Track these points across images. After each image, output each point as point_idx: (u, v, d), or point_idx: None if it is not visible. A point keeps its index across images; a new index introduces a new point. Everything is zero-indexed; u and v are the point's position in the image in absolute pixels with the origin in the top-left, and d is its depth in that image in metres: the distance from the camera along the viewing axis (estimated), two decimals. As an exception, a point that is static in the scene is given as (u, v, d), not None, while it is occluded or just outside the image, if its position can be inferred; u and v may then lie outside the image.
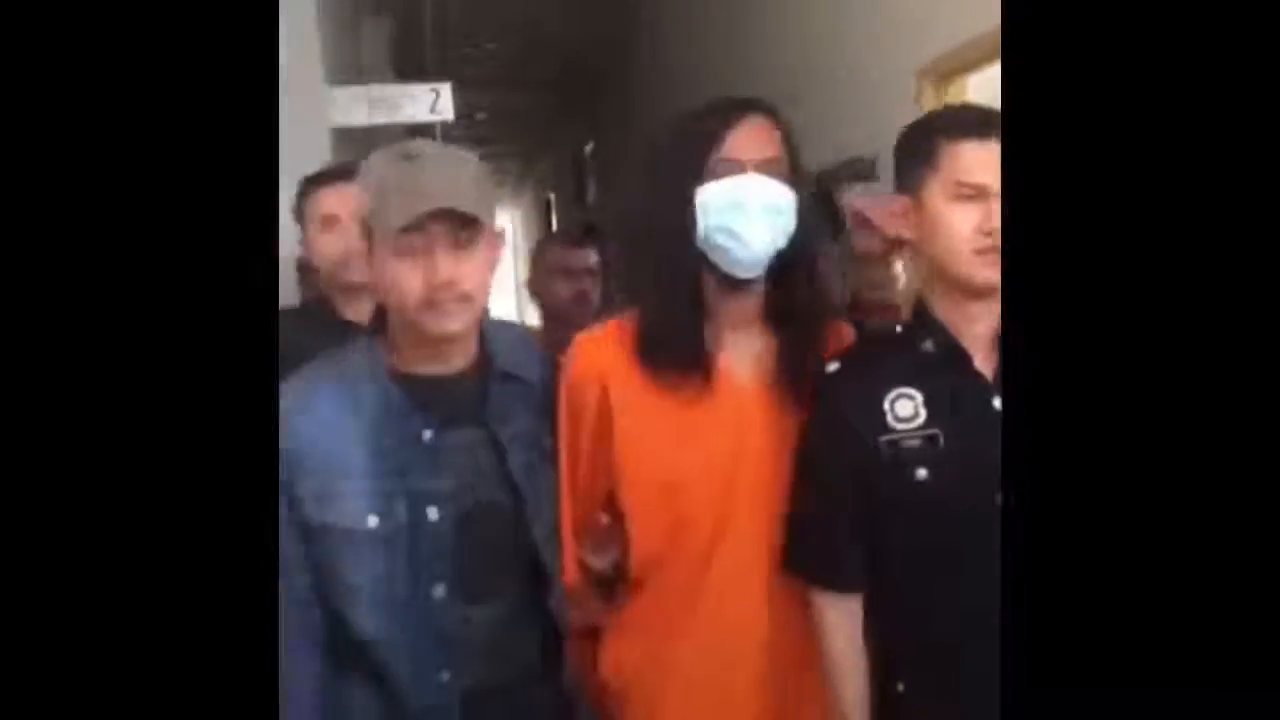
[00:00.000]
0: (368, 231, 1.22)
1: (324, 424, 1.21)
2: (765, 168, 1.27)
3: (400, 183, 1.17)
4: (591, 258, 2.41)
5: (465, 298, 1.19)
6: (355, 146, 4.77)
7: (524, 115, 10.26)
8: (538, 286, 2.43)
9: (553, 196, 12.57)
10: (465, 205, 1.17)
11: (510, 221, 16.16)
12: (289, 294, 2.23)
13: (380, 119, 4.40)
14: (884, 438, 1.21)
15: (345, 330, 1.79)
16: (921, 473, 1.19)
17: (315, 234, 1.94)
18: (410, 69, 7.10)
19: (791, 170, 1.30)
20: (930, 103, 2.76)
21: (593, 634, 1.39)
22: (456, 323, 1.20)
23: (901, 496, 1.20)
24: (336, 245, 1.87)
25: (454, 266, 1.17)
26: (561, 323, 2.31)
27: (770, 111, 1.31)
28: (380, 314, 1.30)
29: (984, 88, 2.63)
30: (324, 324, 1.87)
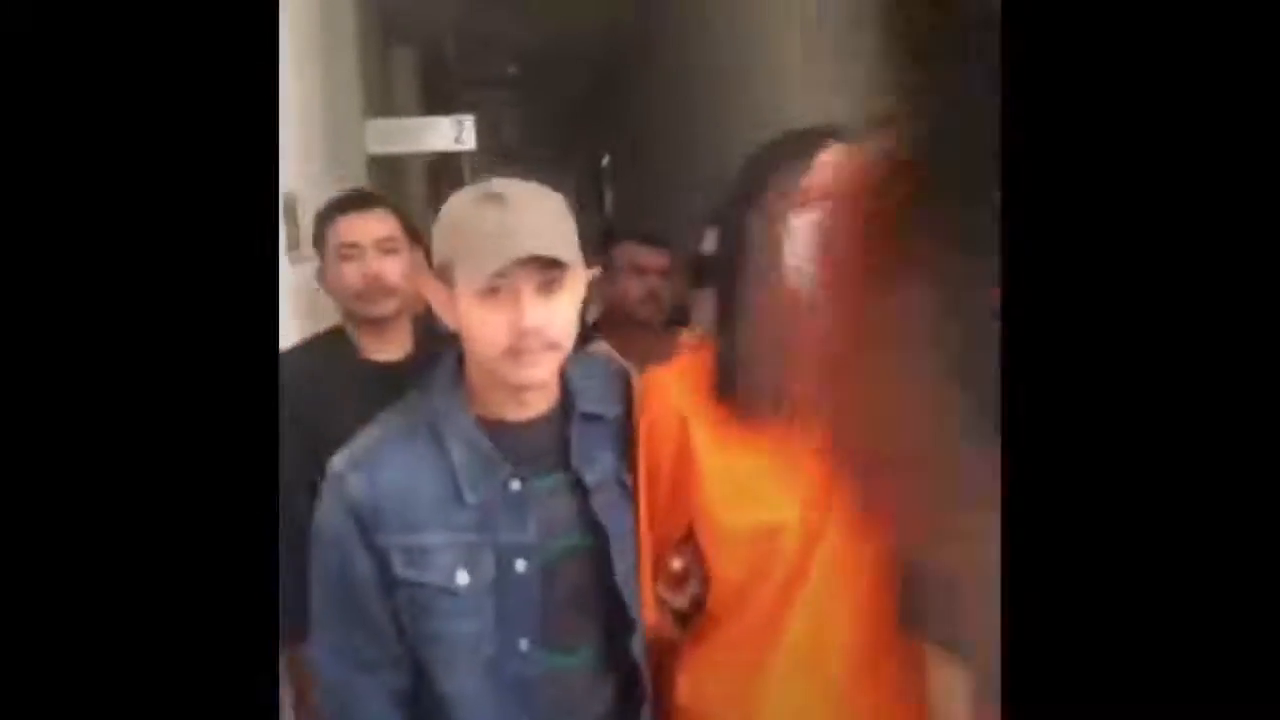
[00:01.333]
0: (447, 277, 1.16)
1: (407, 477, 1.17)
2: None
3: (486, 227, 1.11)
4: (664, 258, 2.43)
5: (552, 344, 1.14)
6: (385, 172, 5.20)
7: (545, 130, 10.75)
8: (605, 283, 2.39)
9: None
10: (554, 250, 1.12)
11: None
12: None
13: (409, 149, 4.83)
14: None
15: (365, 371, 1.78)
16: None
17: (334, 263, 1.83)
18: (437, 94, 7.56)
19: None
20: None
21: (671, 661, 1.38)
22: (542, 371, 1.15)
23: None
24: (355, 275, 1.79)
25: (541, 312, 1.12)
26: (626, 320, 2.39)
27: (852, 138, 1.34)
28: (433, 356, 1.29)
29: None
30: (340, 359, 1.81)
